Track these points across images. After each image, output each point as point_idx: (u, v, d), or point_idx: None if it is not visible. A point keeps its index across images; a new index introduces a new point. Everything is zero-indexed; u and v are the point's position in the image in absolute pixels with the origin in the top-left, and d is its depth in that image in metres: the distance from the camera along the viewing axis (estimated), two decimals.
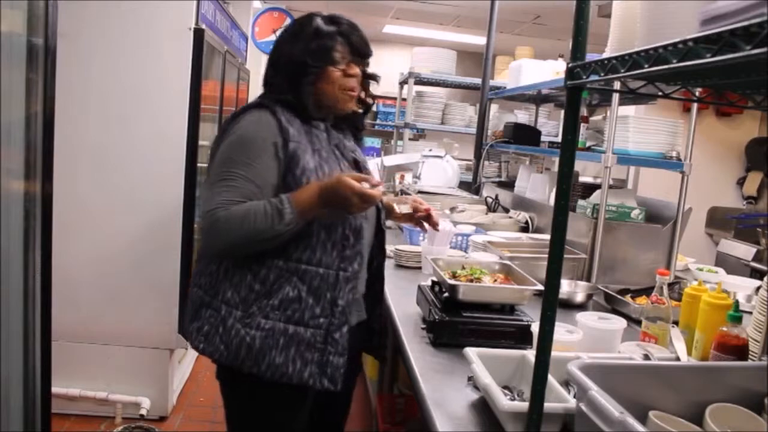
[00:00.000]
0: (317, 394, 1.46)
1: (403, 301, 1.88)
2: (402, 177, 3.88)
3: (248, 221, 1.28)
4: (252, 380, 1.36)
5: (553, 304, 0.96)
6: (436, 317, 1.53)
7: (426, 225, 1.66)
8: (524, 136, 3.44)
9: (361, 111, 1.56)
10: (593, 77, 0.87)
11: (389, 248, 2.47)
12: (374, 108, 6.93)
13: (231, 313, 1.36)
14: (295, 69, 1.40)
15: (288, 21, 1.55)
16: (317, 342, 1.35)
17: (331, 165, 1.39)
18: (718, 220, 4.55)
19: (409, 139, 4.83)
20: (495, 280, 1.70)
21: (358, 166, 1.51)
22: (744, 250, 3.85)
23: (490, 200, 3.45)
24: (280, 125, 1.35)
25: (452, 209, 3.12)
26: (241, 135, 1.36)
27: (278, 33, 1.57)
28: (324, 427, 1.65)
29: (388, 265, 2.37)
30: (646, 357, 1.34)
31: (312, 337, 1.34)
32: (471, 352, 1.28)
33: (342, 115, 1.49)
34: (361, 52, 1.44)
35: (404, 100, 4.78)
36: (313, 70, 1.39)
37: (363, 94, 1.53)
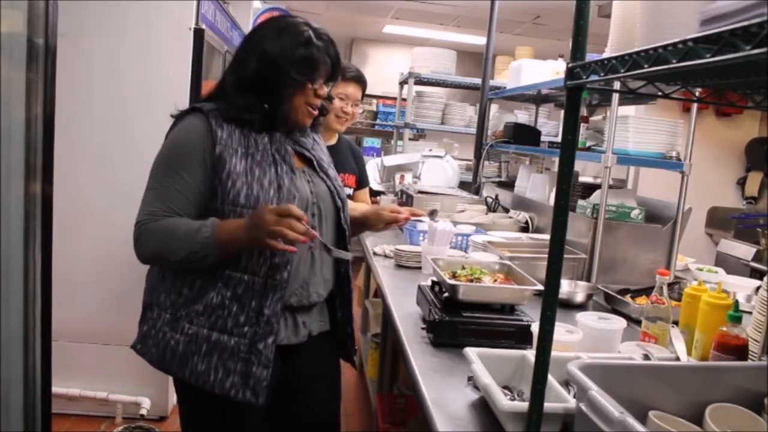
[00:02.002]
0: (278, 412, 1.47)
1: (403, 301, 1.88)
2: (402, 177, 3.88)
3: (166, 238, 1.29)
4: (192, 388, 1.35)
5: (553, 304, 0.96)
6: (436, 317, 1.53)
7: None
8: (524, 136, 3.44)
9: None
10: (593, 77, 0.87)
11: (389, 248, 2.48)
12: (374, 108, 6.94)
13: (161, 316, 1.37)
14: (274, 69, 1.35)
15: (300, 21, 1.58)
16: (241, 351, 1.32)
17: (264, 168, 1.34)
18: (718, 220, 4.55)
19: (409, 139, 4.83)
20: (495, 280, 1.70)
21: (312, 165, 1.48)
22: (744, 250, 3.85)
23: (490, 200, 3.45)
24: (210, 129, 1.33)
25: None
26: (172, 141, 1.37)
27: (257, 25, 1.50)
28: None
29: (388, 265, 2.38)
30: (646, 357, 1.34)
31: (236, 345, 1.32)
32: (471, 352, 1.28)
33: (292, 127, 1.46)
34: (334, 77, 1.42)
35: (404, 100, 4.78)
36: (292, 79, 1.36)
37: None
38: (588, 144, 2.82)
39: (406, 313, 1.77)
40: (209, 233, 1.26)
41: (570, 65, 0.92)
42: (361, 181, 2.63)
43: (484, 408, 1.20)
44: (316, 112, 1.43)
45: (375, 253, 2.51)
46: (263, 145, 1.38)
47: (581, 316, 1.48)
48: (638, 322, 1.60)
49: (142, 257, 1.35)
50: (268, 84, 1.36)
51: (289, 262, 1.35)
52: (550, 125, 4.51)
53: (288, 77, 1.35)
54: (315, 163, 1.49)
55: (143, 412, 2.69)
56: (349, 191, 2.55)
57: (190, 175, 1.32)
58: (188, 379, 1.33)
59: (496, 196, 3.53)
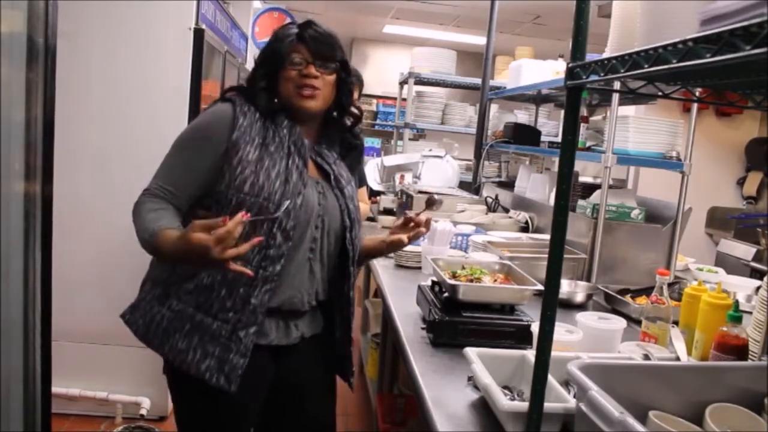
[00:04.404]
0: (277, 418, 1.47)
1: (403, 301, 1.88)
2: (402, 177, 3.88)
3: (138, 225, 1.33)
4: (186, 383, 1.36)
5: (553, 304, 0.96)
6: (436, 317, 1.53)
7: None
8: (524, 136, 3.44)
9: (350, 122, 1.54)
10: (593, 77, 0.87)
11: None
12: (374, 108, 6.94)
13: (152, 290, 1.41)
14: (255, 70, 1.45)
15: (288, 21, 1.58)
16: (222, 336, 1.33)
17: (276, 160, 1.36)
18: (718, 220, 4.55)
19: (409, 139, 4.83)
20: (495, 280, 1.70)
21: (328, 178, 1.46)
22: (744, 250, 3.85)
23: (490, 200, 3.45)
24: (234, 115, 1.37)
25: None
26: (195, 122, 1.45)
27: None
28: None
29: (388, 265, 2.38)
30: (646, 357, 1.34)
31: (218, 329, 1.33)
32: (471, 352, 1.28)
33: (309, 116, 1.45)
34: (321, 56, 1.41)
35: (404, 100, 4.78)
36: (268, 71, 1.42)
37: (347, 104, 1.50)
38: (588, 144, 2.82)
39: (406, 313, 1.77)
40: (152, 242, 1.28)
41: (570, 65, 0.92)
42: (360, 180, 2.63)
43: (484, 408, 1.20)
44: (312, 93, 1.40)
45: None
46: (280, 137, 1.40)
47: (581, 316, 1.48)
48: (638, 322, 1.60)
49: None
50: (257, 80, 1.44)
51: (284, 257, 1.35)
52: (550, 125, 4.51)
53: (266, 70, 1.43)
54: (332, 177, 1.47)
55: (143, 412, 2.69)
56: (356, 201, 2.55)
57: (200, 155, 1.37)
58: (167, 355, 1.36)
59: (496, 196, 3.53)
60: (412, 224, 1.59)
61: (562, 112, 3.15)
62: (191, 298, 1.35)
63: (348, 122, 1.54)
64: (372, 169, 4.04)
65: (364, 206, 2.71)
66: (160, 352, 1.37)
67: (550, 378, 1.04)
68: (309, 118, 1.45)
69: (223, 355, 1.32)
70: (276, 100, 1.44)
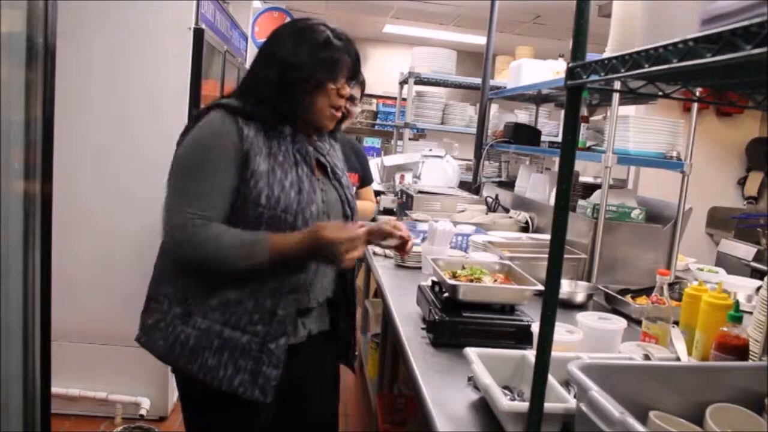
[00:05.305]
0: (282, 414, 1.47)
1: (403, 301, 1.88)
2: (402, 177, 3.88)
3: (223, 243, 1.27)
4: (197, 384, 1.34)
5: (553, 304, 0.96)
6: (436, 317, 1.53)
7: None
8: (524, 136, 3.44)
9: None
10: (593, 77, 0.87)
11: (390, 249, 2.48)
12: (374, 108, 6.94)
13: (171, 309, 1.35)
14: (295, 74, 1.34)
15: (318, 23, 1.56)
16: (252, 350, 1.31)
17: (286, 170, 1.34)
18: (719, 220, 4.55)
19: (409, 139, 4.83)
20: (495, 280, 1.70)
21: (326, 171, 1.47)
22: (744, 250, 3.85)
23: (490, 200, 3.45)
24: (237, 125, 1.32)
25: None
26: (202, 139, 1.33)
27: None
28: None
29: (388, 265, 2.38)
30: (647, 357, 1.34)
31: (247, 343, 1.31)
32: (471, 352, 1.27)
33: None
34: (356, 76, 1.42)
35: (404, 100, 4.78)
36: (314, 81, 1.35)
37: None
38: (588, 144, 2.82)
39: (406, 313, 1.77)
40: (264, 254, 1.28)
41: (570, 65, 0.92)
42: (365, 179, 2.62)
43: (484, 408, 1.20)
44: (339, 114, 1.41)
45: (375, 253, 2.51)
46: (286, 146, 1.37)
47: (581, 316, 1.47)
48: (639, 323, 1.60)
49: (184, 261, 1.33)
50: (290, 89, 1.35)
51: (306, 265, 1.35)
52: (551, 125, 4.51)
53: (310, 80, 1.35)
54: (329, 169, 1.47)
55: (143, 412, 2.69)
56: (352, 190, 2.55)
57: (225, 173, 1.30)
58: (196, 374, 1.32)
59: (496, 196, 3.52)
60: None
61: (563, 112, 3.16)
62: (217, 314, 1.32)
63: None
64: (372, 169, 4.03)
65: (371, 205, 2.71)
66: (187, 370, 1.33)
67: (551, 378, 1.03)
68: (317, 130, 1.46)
69: (255, 368, 1.32)
70: (284, 108, 1.36)
